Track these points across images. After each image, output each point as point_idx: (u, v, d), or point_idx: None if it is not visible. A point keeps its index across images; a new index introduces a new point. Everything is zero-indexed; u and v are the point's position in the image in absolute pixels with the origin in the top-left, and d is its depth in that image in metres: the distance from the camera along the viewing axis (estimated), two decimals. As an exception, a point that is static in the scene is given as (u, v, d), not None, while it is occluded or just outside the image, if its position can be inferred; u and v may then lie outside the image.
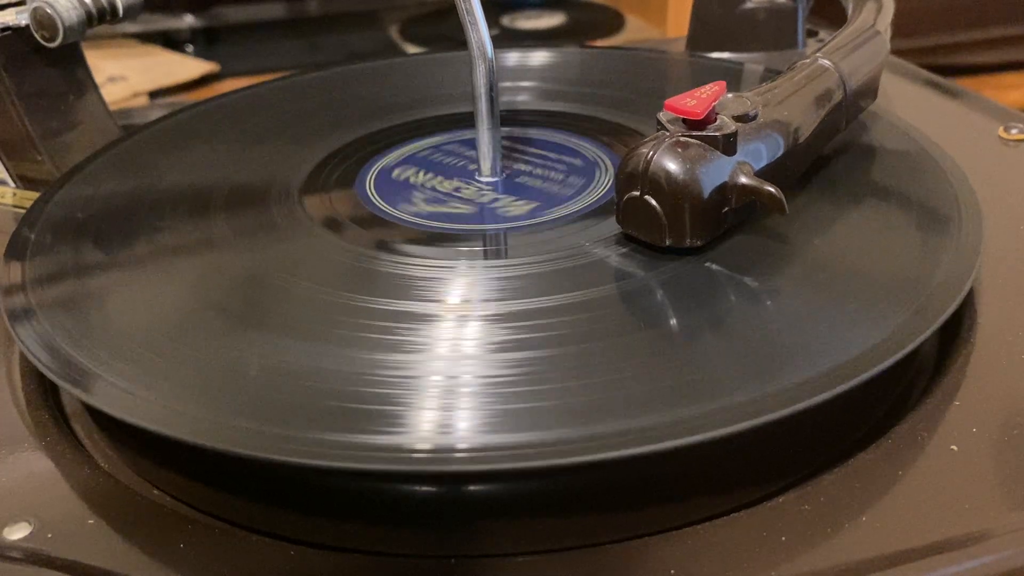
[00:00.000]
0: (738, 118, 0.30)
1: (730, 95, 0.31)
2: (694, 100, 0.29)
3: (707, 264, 0.30)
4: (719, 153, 0.29)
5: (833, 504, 0.24)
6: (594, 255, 0.31)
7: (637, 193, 0.29)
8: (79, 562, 0.23)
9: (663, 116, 0.30)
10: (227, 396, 0.25)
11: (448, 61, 0.49)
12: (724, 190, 0.29)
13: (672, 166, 0.29)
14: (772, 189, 0.29)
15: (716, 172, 0.29)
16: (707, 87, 0.30)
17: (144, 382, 0.26)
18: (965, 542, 0.23)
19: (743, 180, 0.29)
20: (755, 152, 0.30)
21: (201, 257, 0.33)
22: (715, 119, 0.30)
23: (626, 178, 0.30)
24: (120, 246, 0.34)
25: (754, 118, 0.30)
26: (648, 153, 0.29)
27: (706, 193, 0.29)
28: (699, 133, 0.29)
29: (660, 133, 0.30)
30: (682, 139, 0.29)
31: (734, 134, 0.29)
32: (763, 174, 0.30)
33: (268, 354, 0.27)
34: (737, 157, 0.29)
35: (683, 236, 0.29)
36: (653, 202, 0.29)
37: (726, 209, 0.30)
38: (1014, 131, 0.42)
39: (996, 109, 0.44)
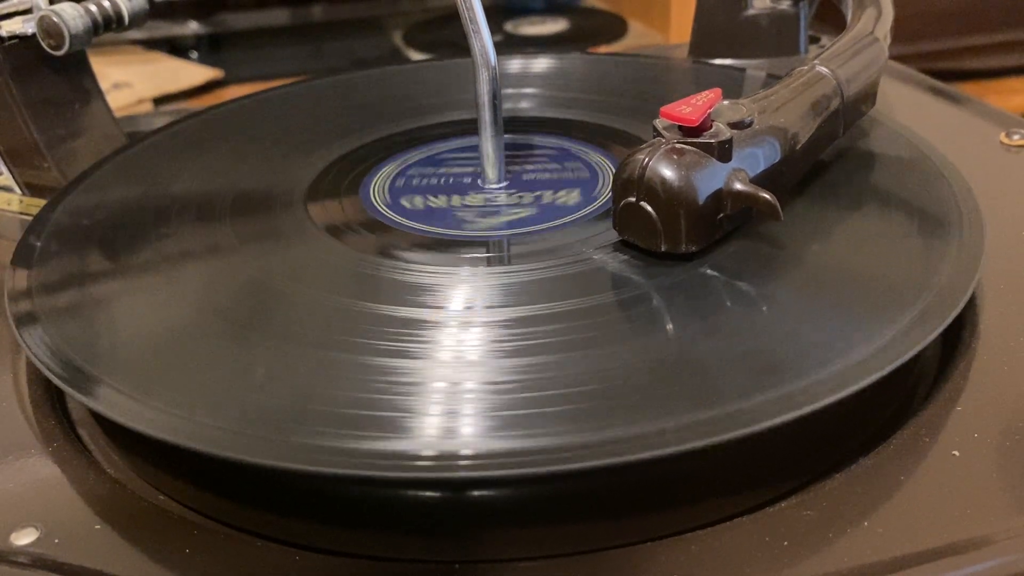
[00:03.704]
0: (734, 125, 0.30)
1: (726, 102, 0.31)
2: (689, 107, 0.30)
3: (709, 271, 0.30)
4: (714, 160, 0.29)
5: (835, 509, 0.24)
6: (596, 261, 0.31)
7: (633, 199, 0.30)
8: (86, 567, 0.23)
9: (659, 123, 0.30)
10: (232, 402, 0.26)
11: (452, 68, 0.50)
12: (719, 196, 0.29)
13: (667, 172, 0.29)
14: (767, 195, 0.29)
15: (711, 178, 0.29)
16: (703, 94, 0.30)
17: (150, 388, 0.26)
18: (967, 547, 0.23)
19: (738, 186, 0.29)
20: (751, 159, 0.30)
21: (206, 264, 0.33)
22: (711, 126, 0.30)
23: (622, 184, 0.30)
24: (126, 253, 0.34)
25: (750, 125, 0.31)
26: (644, 159, 0.29)
27: (701, 199, 0.29)
28: (694, 140, 0.29)
29: (656, 140, 0.30)
30: (677, 146, 0.29)
31: (729, 141, 0.29)
32: (759, 180, 0.30)
33: (273, 360, 0.27)
34: (732, 164, 0.30)
35: (678, 242, 0.30)
36: (649, 208, 0.29)
37: (721, 215, 0.30)
38: (1016, 137, 0.42)
39: (997, 115, 0.44)
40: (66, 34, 0.40)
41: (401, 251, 0.32)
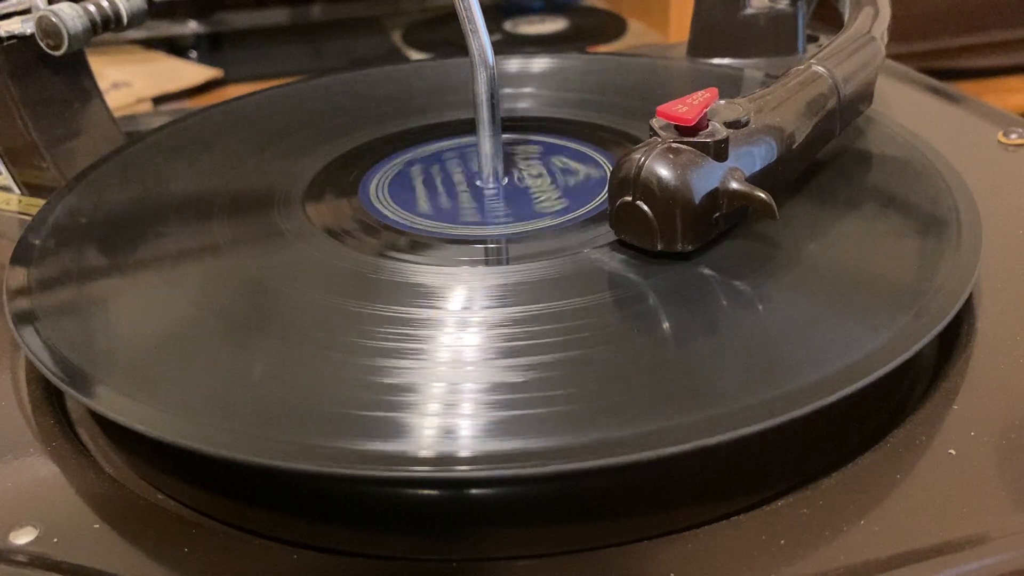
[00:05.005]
0: (730, 124, 0.30)
1: (722, 101, 0.31)
2: (686, 106, 0.30)
3: (705, 271, 0.30)
4: (710, 159, 0.29)
5: (832, 508, 0.24)
6: (592, 261, 0.31)
7: (629, 199, 0.30)
8: (84, 566, 0.24)
9: (655, 122, 0.30)
10: (230, 402, 0.26)
11: (451, 67, 0.50)
12: (715, 195, 0.29)
13: (663, 172, 0.29)
14: (763, 195, 0.29)
15: (707, 177, 0.29)
16: (699, 93, 0.30)
17: (148, 388, 0.26)
18: (963, 545, 0.23)
19: (734, 186, 0.29)
20: (747, 158, 0.30)
21: (205, 263, 0.33)
22: (707, 125, 0.30)
23: (618, 184, 0.30)
24: (125, 252, 0.34)
25: (746, 124, 0.31)
26: (640, 159, 0.29)
27: (697, 198, 0.29)
28: (690, 139, 0.29)
29: (652, 139, 0.30)
30: (674, 145, 0.29)
31: (725, 140, 0.30)
32: (755, 180, 0.30)
33: (271, 360, 0.27)
34: (728, 163, 0.30)
35: (674, 241, 0.30)
36: (645, 207, 0.29)
37: (717, 215, 0.30)
38: (1013, 136, 0.42)
39: (995, 114, 0.44)
40: (65, 34, 0.40)
41: (400, 251, 0.32)
